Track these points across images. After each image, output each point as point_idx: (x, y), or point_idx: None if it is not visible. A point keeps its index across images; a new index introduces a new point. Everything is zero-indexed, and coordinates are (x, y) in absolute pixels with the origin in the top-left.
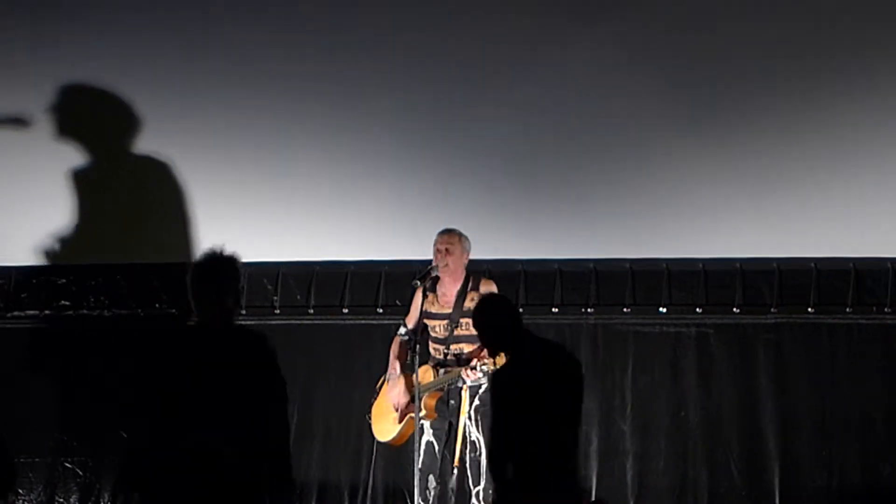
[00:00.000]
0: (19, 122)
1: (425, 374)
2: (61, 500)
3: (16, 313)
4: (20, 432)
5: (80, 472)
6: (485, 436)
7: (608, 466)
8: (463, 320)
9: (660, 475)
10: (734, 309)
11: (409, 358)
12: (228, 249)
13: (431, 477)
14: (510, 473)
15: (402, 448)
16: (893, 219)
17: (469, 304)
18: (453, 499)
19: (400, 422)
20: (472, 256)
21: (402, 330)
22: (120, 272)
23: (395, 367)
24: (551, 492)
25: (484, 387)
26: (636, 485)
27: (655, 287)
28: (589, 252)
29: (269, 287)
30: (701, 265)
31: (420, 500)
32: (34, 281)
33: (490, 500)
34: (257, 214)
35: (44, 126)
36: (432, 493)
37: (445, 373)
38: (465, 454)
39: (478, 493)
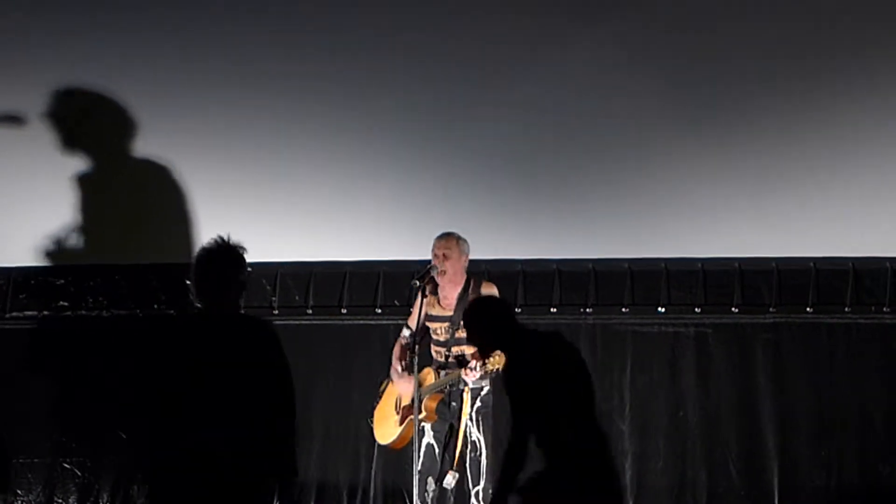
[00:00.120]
0: (15, 120)
1: (427, 377)
2: (60, 500)
3: (15, 314)
4: (19, 432)
5: (79, 473)
6: (485, 436)
7: None
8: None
9: (658, 475)
10: (733, 309)
11: (409, 359)
12: (232, 239)
13: (431, 479)
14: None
15: (402, 450)
16: (892, 219)
17: None
18: (452, 499)
19: (401, 424)
20: (471, 256)
21: (406, 332)
22: (119, 273)
23: (396, 368)
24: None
25: (486, 389)
26: (635, 485)
27: (654, 287)
28: (588, 252)
29: (268, 287)
30: (700, 265)
31: (419, 502)
32: (33, 282)
33: (489, 500)
34: (256, 214)
35: (43, 126)
36: (431, 496)
37: (446, 374)
38: (466, 454)
39: (477, 492)
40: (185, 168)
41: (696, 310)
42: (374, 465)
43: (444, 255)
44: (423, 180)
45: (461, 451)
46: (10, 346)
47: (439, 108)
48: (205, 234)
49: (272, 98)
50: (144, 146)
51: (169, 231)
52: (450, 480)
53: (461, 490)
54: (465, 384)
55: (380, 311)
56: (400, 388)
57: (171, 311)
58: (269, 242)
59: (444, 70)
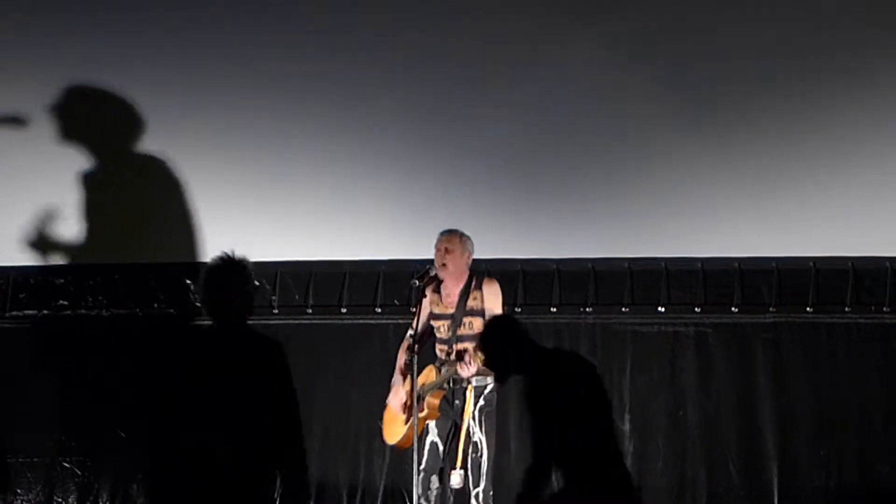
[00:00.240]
0: (17, 122)
1: (429, 375)
2: (59, 499)
3: (14, 313)
4: (19, 432)
5: (79, 472)
6: (488, 437)
7: None
8: (466, 319)
9: (658, 475)
10: (733, 308)
11: (408, 359)
12: (238, 253)
13: (434, 477)
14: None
15: (408, 449)
16: (892, 218)
17: (472, 303)
18: (451, 499)
19: (406, 423)
20: (472, 256)
21: (409, 332)
22: (118, 272)
23: (398, 371)
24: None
25: (490, 387)
26: (635, 485)
27: (654, 286)
28: (587, 252)
29: (268, 287)
30: (699, 265)
31: (423, 501)
32: (32, 281)
33: (490, 500)
34: (256, 214)
35: (43, 126)
36: (435, 494)
37: (445, 370)
38: (468, 454)
39: (477, 494)
40: (185, 167)
41: (696, 309)
42: (384, 466)
43: (445, 249)
44: (423, 180)
45: (464, 450)
46: (9, 345)
47: (439, 108)
48: (204, 233)
49: (272, 98)
50: (144, 146)
51: (169, 230)
52: (457, 480)
53: (461, 490)
54: (468, 383)
55: (379, 310)
56: (404, 387)
57: (171, 311)
58: (268, 242)
59: (444, 70)
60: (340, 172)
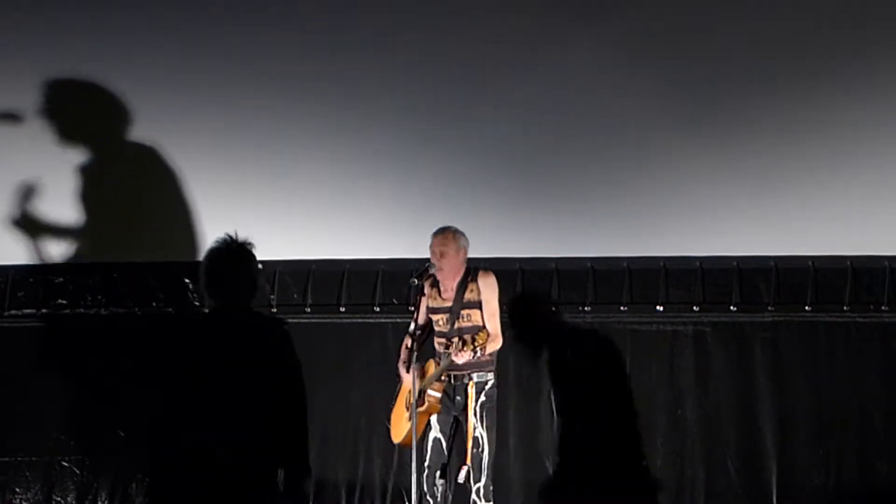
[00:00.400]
0: (14, 119)
1: (429, 369)
2: (58, 498)
3: (13, 312)
4: (17, 431)
5: (78, 471)
6: (489, 432)
7: None
8: (464, 312)
9: (657, 474)
10: (731, 307)
11: (408, 355)
12: (242, 241)
13: (438, 474)
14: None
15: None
16: (891, 218)
17: (469, 295)
18: (450, 496)
19: (410, 420)
20: (471, 254)
21: (412, 327)
22: (117, 271)
23: (401, 365)
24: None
25: (491, 383)
26: None
27: (653, 285)
28: (586, 251)
29: (266, 285)
30: (698, 263)
31: (428, 498)
32: (31, 280)
33: (490, 496)
34: (255, 213)
35: (41, 125)
36: (440, 490)
37: (444, 361)
38: (469, 449)
39: (478, 489)
40: (185, 167)
41: (695, 308)
42: (383, 465)
43: (440, 252)
44: (423, 179)
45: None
46: (8, 344)
47: (439, 108)
48: (203, 232)
49: (272, 98)
50: (144, 145)
51: (168, 229)
52: (464, 476)
53: (461, 486)
54: (469, 378)
55: (378, 309)
56: (405, 384)
57: (170, 310)
58: (267, 240)
59: (444, 70)
60: (340, 172)
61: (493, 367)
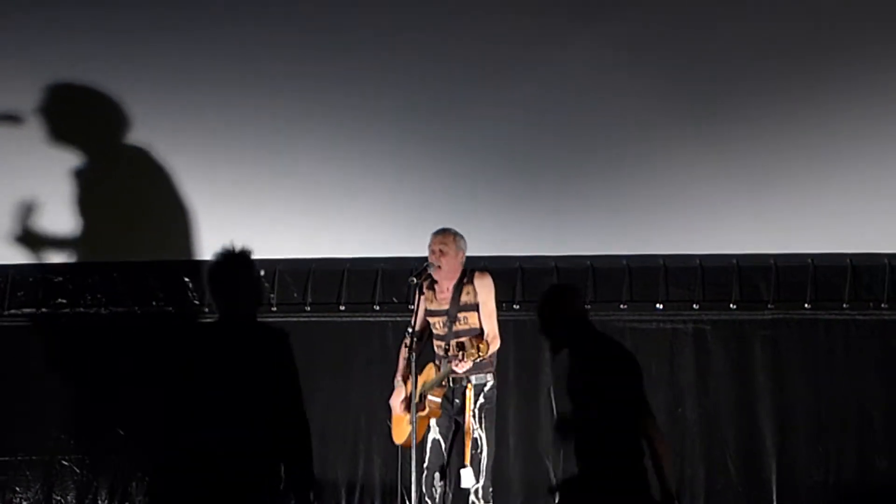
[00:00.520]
0: (14, 120)
1: (429, 373)
2: (58, 498)
3: (12, 311)
4: (17, 430)
5: (77, 470)
6: (488, 433)
7: None
8: (461, 315)
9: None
10: (731, 305)
11: (408, 358)
12: (240, 248)
13: (437, 475)
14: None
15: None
16: (890, 215)
17: (465, 297)
18: (450, 496)
19: (410, 423)
20: (470, 253)
21: (409, 330)
22: (117, 270)
23: (399, 371)
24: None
25: (490, 384)
26: None
27: (652, 284)
28: (586, 249)
29: (266, 284)
30: (698, 261)
31: (427, 499)
32: (31, 279)
33: (490, 497)
34: (254, 212)
35: (41, 126)
36: (438, 492)
37: (444, 367)
38: (468, 451)
39: (477, 490)
40: (185, 166)
41: (695, 306)
42: (383, 464)
43: (440, 250)
44: (422, 178)
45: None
46: (7, 343)
47: (439, 108)
48: (203, 231)
49: (272, 97)
50: (143, 144)
51: (167, 229)
52: (468, 480)
53: (460, 487)
54: (468, 380)
55: (378, 308)
56: (405, 387)
57: (170, 309)
58: (267, 239)
59: (444, 70)
60: (340, 171)
61: (492, 369)
